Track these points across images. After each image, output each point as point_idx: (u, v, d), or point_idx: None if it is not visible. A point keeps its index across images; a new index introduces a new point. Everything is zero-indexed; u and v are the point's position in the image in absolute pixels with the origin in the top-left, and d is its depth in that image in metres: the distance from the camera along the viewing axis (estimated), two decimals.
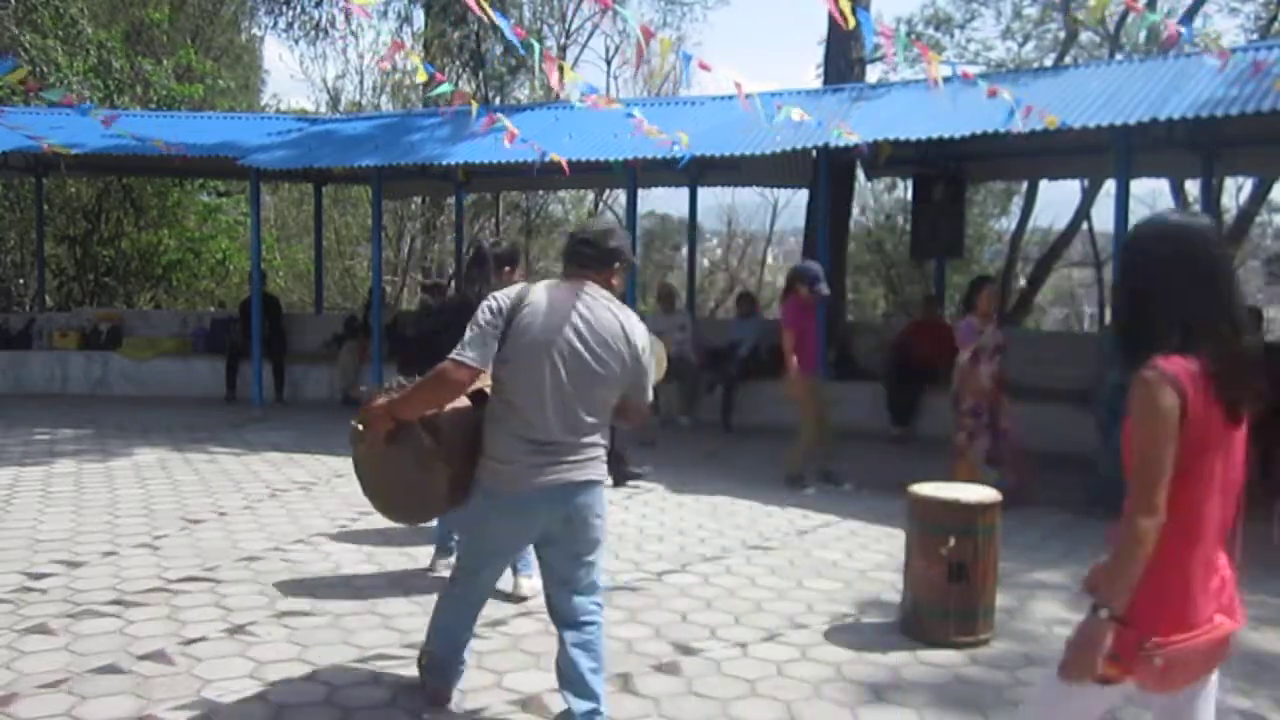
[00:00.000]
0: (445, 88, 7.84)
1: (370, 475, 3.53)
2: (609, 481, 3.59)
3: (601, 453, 3.30)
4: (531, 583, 4.76)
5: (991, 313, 7.12)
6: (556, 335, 3.13)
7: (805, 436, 7.51)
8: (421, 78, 7.40)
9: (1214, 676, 2.27)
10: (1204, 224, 2.18)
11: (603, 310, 3.22)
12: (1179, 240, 2.13)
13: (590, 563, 3.36)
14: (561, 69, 6.79)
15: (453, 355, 3.12)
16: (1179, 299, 2.09)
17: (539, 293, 3.21)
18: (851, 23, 5.89)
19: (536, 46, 6.85)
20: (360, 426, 3.35)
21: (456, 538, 4.82)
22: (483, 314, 3.17)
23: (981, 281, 7.39)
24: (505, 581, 4.88)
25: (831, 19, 11.29)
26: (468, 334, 3.15)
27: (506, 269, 4.91)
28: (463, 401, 3.33)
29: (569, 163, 8.48)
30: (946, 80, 8.28)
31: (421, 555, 5.56)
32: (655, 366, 5.71)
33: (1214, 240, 2.15)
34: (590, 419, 3.20)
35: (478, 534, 3.45)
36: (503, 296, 3.22)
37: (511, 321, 3.15)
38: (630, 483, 7.50)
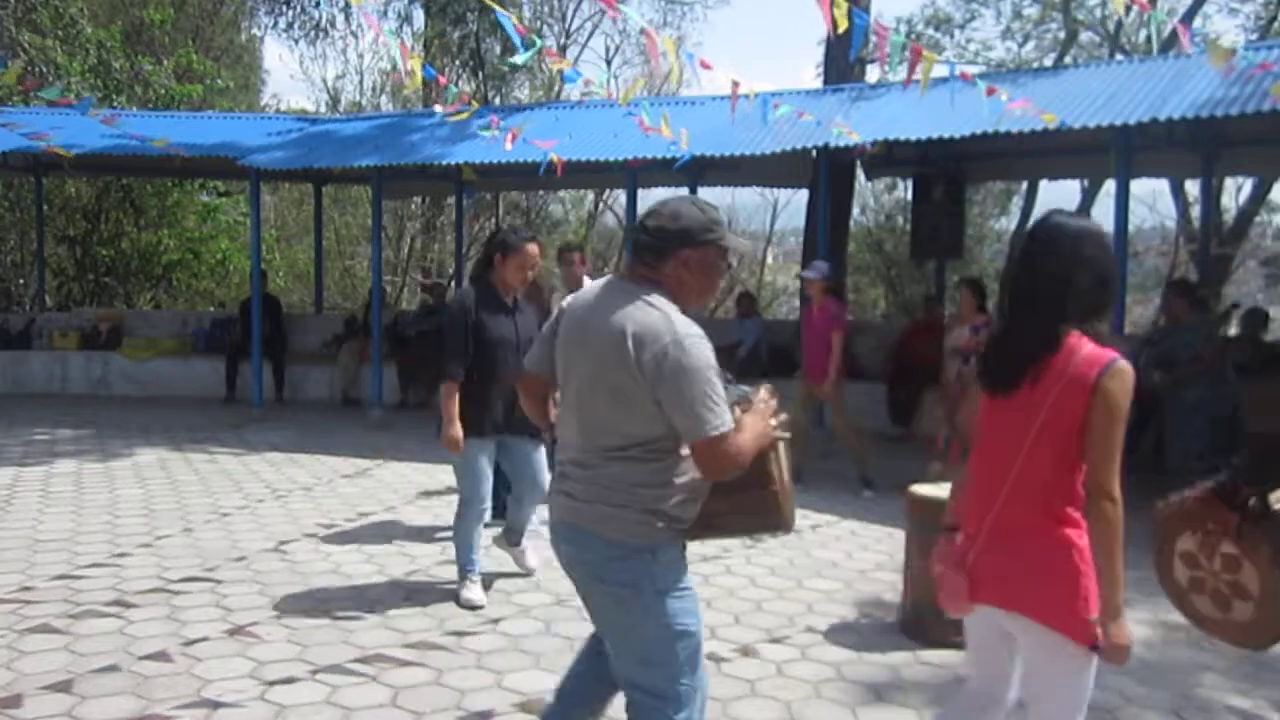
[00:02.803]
0: (450, 98, 7.86)
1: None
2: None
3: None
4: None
5: (969, 314, 7.21)
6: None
7: (855, 438, 7.50)
8: (414, 84, 7.40)
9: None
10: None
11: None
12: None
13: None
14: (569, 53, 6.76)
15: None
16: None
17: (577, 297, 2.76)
18: (843, 26, 5.86)
19: (538, 42, 6.83)
20: None
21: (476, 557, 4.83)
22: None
23: (960, 284, 7.58)
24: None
25: (834, 18, 11.34)
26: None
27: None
28: None
29: (568, 163, 8.48)
30: (944, 80, 8.29)
31: (422, 555, 5.57)
32: None
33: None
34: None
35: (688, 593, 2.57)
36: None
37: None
38: None
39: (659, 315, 2.39)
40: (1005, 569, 2.37)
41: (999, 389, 2.40)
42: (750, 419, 2.44)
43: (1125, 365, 2.26)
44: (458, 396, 4.58)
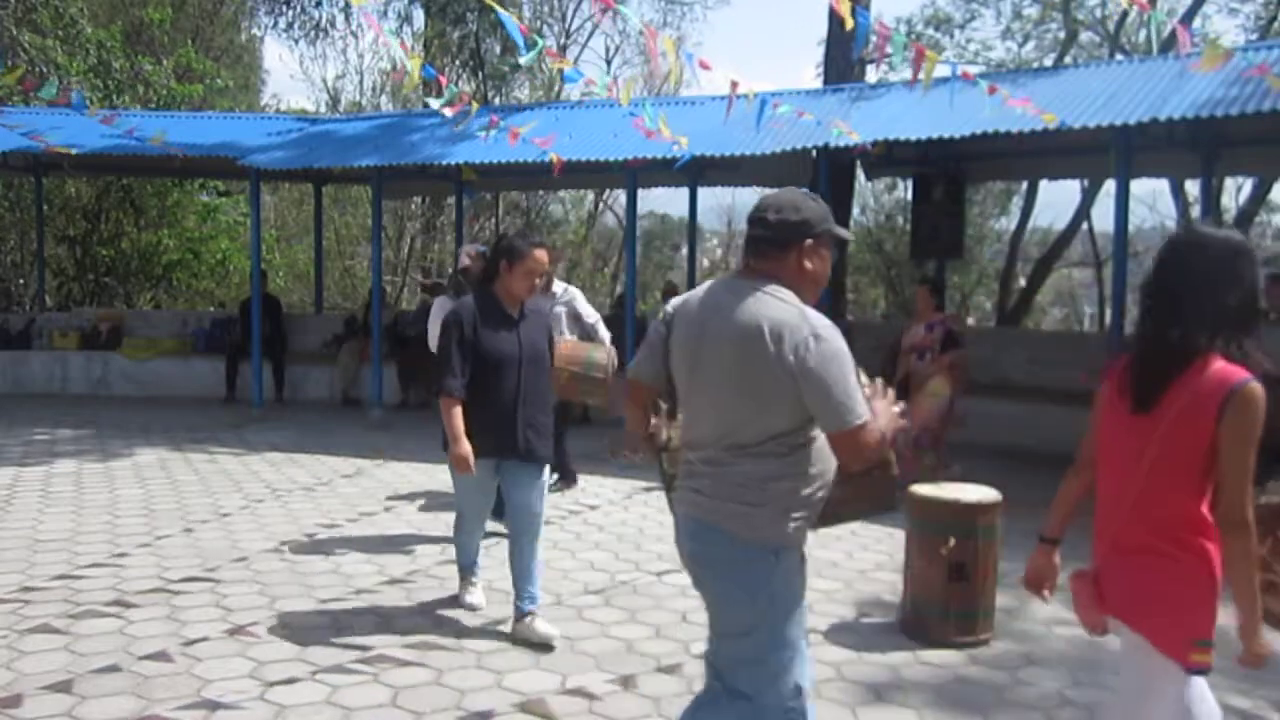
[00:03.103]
0: (449, 97, 7.86)
1: None
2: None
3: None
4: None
5: (925, 313, 7.31)
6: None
7: None
8: (412, 85, 7.40)
9: None
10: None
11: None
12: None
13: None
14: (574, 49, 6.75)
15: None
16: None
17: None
18: (850, 24, 5.89)
19: (540, 43, 6.83)
20: None
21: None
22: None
23: (919, 282, 7.62)
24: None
25: (831, 19, 11.34)
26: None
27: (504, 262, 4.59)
28: None
29: (567, 162, 8.48)
30: (945, 80, 8.29)
31: (422, 555, 5.56)
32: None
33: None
34: None
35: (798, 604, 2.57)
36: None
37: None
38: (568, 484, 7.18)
39: (791, 308, 2.41)
40: (1122, 584, 2.38)
41: (1139, 407, 2.31)
42: (881, 405, 2.49)
43: (1256, 387, 2.18)
44: (459, 411, 4.21)
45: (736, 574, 2.46)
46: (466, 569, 4.74)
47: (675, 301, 2.68)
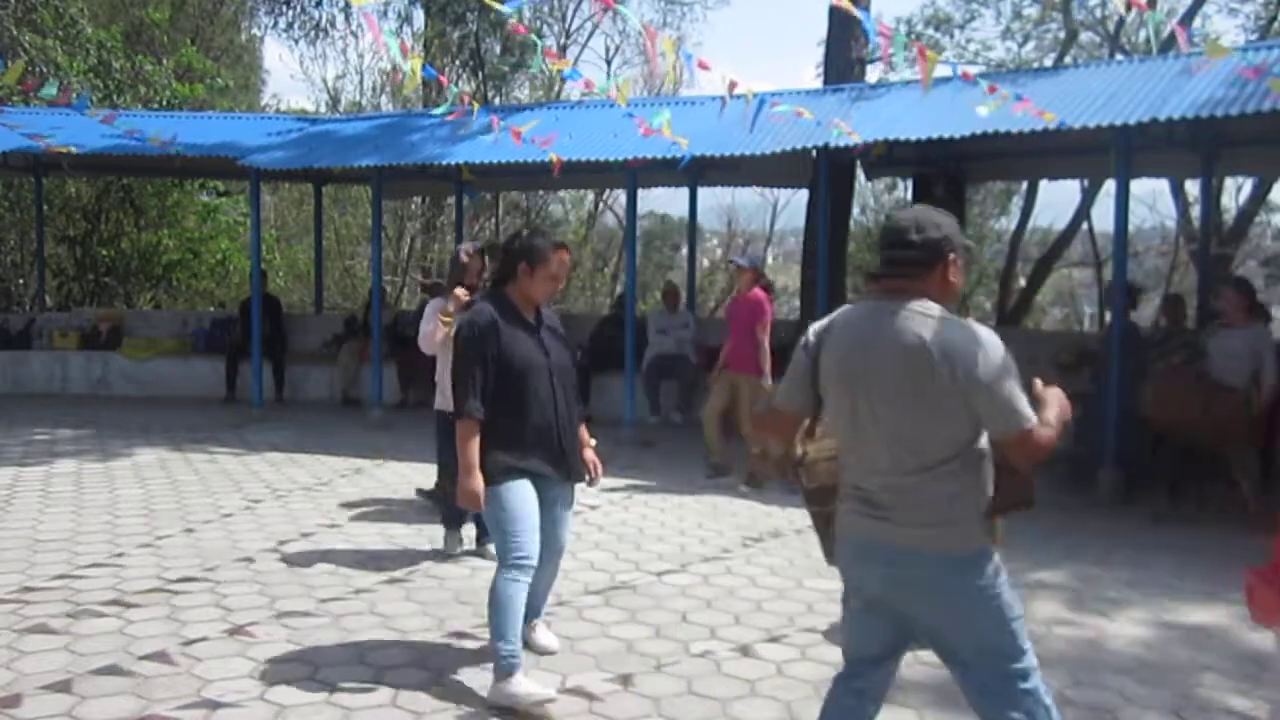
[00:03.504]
0: (450, 100, 7.88)
1: None
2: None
3: None
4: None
5: None
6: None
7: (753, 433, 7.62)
8: (412, 85, 7.41)
9: None
10: None
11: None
12: None
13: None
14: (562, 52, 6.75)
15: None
16: None
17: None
18: (851, 8, 5.88)
19: (539, 43, 6.84)
20: None
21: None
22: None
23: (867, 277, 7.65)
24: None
25: (832, 19, 11.34)
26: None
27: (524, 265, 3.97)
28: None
29: (566, 162, 8.48)
30: (946, 80, 8.29)
31: (421, 555, 5.56)
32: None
33: None
34: None
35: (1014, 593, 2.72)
36: None
37: None
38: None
39: (951, 321, 2.49)
40: None
41: None
42: (1050, 397, 2.52)
43: None
44: (478, 439, 3.71)
45: (956, 587, 2.54)
46: (505, 655, 3.72)
47: (817, 328, 2.70)
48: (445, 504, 5.48)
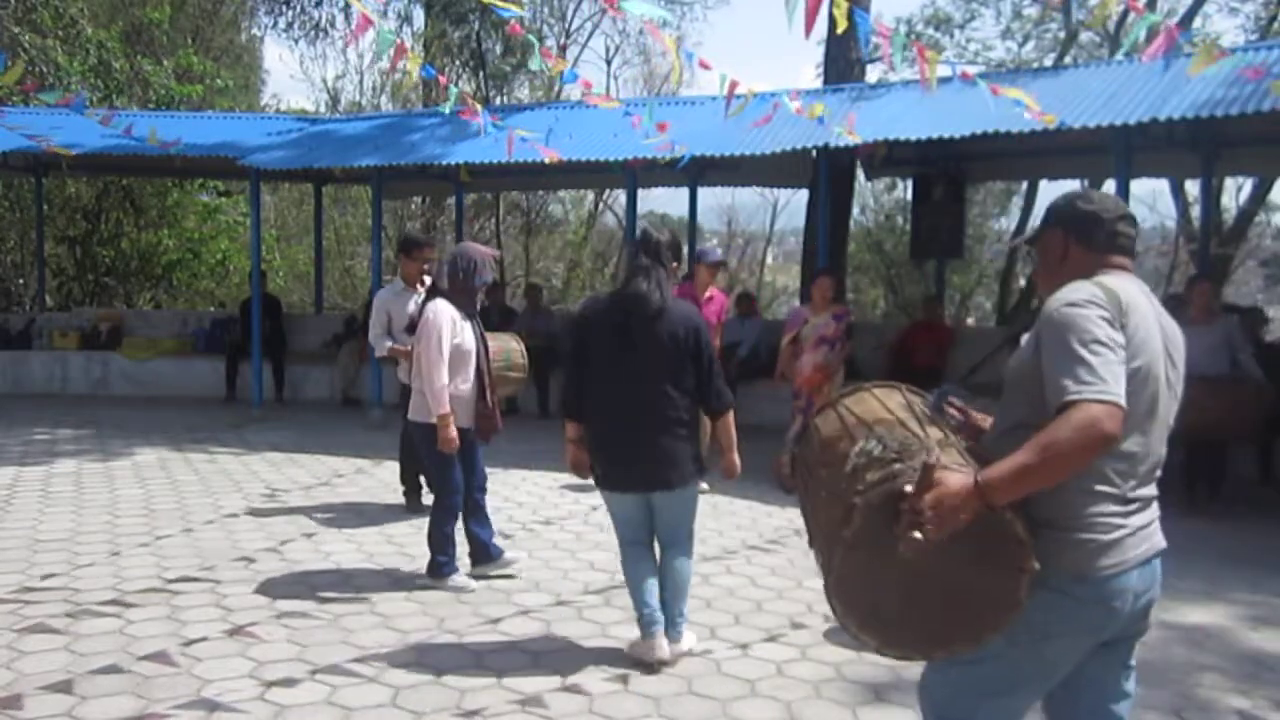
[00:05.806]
0: (452, 102, 7.89)
1: (888, 580, 2.16)
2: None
3: None
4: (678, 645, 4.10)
5: (824, 303, 7.33)
6: (1161, 352, 2.26)
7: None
8: (410, 83, 7.42)
9: None
10: None
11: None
12: None
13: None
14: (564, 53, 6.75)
15: (1097, 394, 2.01)
16: None
17: (1132, 292, 2.23)
18: (842, 26, 5.85)
19: (536, 43, 6.83)
20: (917, 531, 2.00)
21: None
22: (1097, 326, 2.09)
23: (818, 273, 7.62)
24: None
25: (831, 19, 11.33)
26: (1088, 356, 2.05)
27: (675, 264, 4.07)
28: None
29: (566, 162, 8.48)
30: (946, 80, 8.28)
31: (421, 555, 5.55)
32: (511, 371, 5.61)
33: None
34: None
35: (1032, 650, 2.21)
36: (1098, 296, 2.16)
37: (1127, 334, 2.16)
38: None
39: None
40: None
41: None
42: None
43: None
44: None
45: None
46: (648, 619, 3.96)
47: (1109, 299, 2.18)
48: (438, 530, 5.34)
